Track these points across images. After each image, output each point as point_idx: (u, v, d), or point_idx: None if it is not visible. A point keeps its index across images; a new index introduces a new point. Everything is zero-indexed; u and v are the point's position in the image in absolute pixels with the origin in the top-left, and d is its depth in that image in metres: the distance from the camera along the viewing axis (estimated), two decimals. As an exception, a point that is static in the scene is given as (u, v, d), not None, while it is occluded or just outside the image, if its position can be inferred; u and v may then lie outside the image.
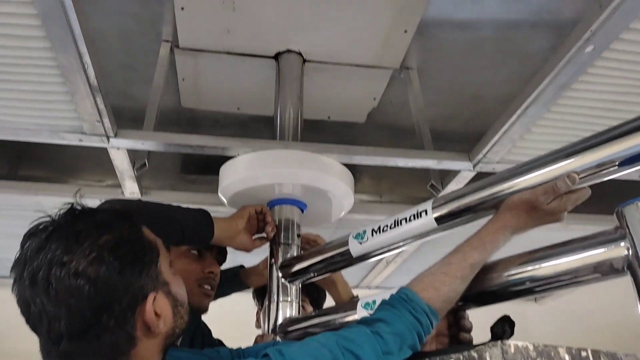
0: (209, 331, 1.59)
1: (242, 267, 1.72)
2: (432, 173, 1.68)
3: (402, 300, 0.88)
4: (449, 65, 1.81)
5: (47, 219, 0.80)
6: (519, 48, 1.72)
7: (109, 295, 0.74)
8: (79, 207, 0.82)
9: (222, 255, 1.56)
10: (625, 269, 0.78)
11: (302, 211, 1.55)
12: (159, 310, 0.78)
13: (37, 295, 0.72)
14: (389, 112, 2.04)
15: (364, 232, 1.21)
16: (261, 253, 1.53)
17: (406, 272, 2.53)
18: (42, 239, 0.76)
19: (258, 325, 1.72)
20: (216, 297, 1.60)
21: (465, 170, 1.53)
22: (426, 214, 1.07)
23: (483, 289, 0.94)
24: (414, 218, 1.10)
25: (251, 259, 1.65)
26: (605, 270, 0.81)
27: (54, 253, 0.73)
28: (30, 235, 0.78)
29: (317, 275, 1.41)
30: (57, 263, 0.73)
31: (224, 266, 1.56)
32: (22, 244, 0.77)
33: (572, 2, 1.52)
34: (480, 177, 1.59)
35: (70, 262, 0.73)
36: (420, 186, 2.31)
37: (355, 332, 0.85)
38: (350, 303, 1.20)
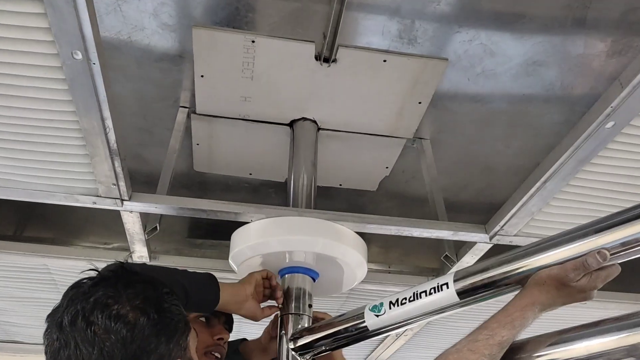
0: None
1: (243, 340, 1.65)
2: (447, 244, 1.66)
3: None
4: (461, 137, 1.82)
5: (93, 272, 0.83)
6: (531, 121, 1.74)
7: (141, 347, 0.75)
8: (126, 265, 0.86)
9: (229, 324, 1.51)
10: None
11: (314, 280, 1.51)
12: None
13: (73, 337, 0.73)
14: (400, 181, 2.04)
15: (381, 304, 1.17)
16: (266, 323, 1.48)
17: (416, 347, 2.44)
18: (88, 286, 0.79)
19: None
20: None
21: (481, 242, 1.51)
22: (447, 287, 1.04)
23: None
24: (435, 291, 1.06)
25: (256, 330, 1.60)
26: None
27: (99, 296, 0.76)
28: (75, 285, 0.81)
29: (329, 349, 1.35)
30: (101, 304, 0.75)
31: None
32: (66, 294, 0.80)
33: (585, 78, 1.55)
34: (496, 249, 1.56)
35: (114, 304, 0.76)
36: (430, 257, 2.28)
37: None
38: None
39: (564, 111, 1.69)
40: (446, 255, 1.65)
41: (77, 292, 0.79)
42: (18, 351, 2.43)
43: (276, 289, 1.39)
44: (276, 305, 1.43)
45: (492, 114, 1.71)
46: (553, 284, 0.87)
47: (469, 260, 1.62)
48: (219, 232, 2.20)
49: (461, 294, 1.02)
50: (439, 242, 1.85)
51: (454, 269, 1.68)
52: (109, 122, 1.12)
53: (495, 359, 0.87)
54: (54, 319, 0.78)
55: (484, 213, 2.13)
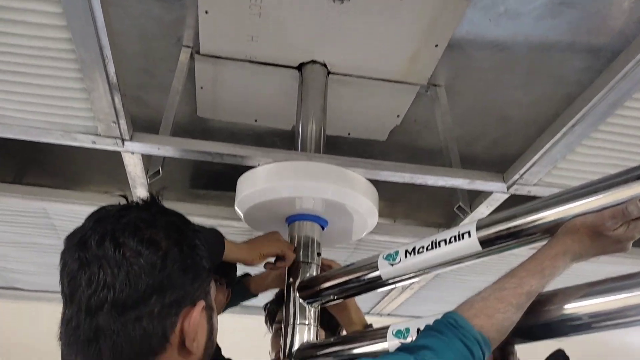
0: (219, 349, 1.49)
1: (247, 274, 1.62)
2: (461, 194, 1.60)
3: (450, 326, 0.79)
4: (478, 84, 1.74)
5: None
6: (553, 69, 1.65)
7: (168, 279, 0.69)
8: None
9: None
10: None
11: (323, 228, 1.46)
12: (197, 329, 0.72)
13: (97, 257, 0.67)
14: (411, 131, 1.96)
15: (396, 253, 1.12)
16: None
17: (423, 300, 2.42)
18: (117, 209, 0.72)
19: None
20: (224, 309, 1.51)
21: (498, 192, 1.44)
22: (469, 235, 0.98)
23: (537, 322, 0.85)
24: (455, 240, 1.00)
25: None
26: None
27: (132, 218, 0.70)
28: (101, 209, 0.74)
29: (339, 298, 1.31)
30: (134, 226, 0.69)
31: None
32: (90, 216, 0.73)
33: (613, 22, 1.45)
34: (514, 200, 1.50)
35: (147, 228, 0.70)
36: (437, 211, 2.22)
37: None
38: (379, 330, 1.10)
39: (588, 58, 1.60)
40: (459, 206, 1.59)
41: (106, 214, 0.71)
42: (19, 298, 2.41)
43: (289, 259, 1.34)
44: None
45: (512, 60, 1.62)
46: (587, 233, 0.82)
47: (483, 211, 1.56)
48: (221, 182, 2.14)
49: (484, 242, 0.96)
50: (447, 196, 1.79)
51: (467, 220, 1.62)
52: (107, 52, 1.03)
53: (522, 309, 0.82)
54: (75, 238, 0.70)
55: (497, 165, 2.06)
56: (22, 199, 1.65)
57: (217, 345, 1.47)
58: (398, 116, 1.87)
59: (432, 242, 1.05)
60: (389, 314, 2.54)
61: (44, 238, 1.88)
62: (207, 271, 0.76)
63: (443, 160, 1.71)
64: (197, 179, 2.23)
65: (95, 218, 0.72)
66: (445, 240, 1.02)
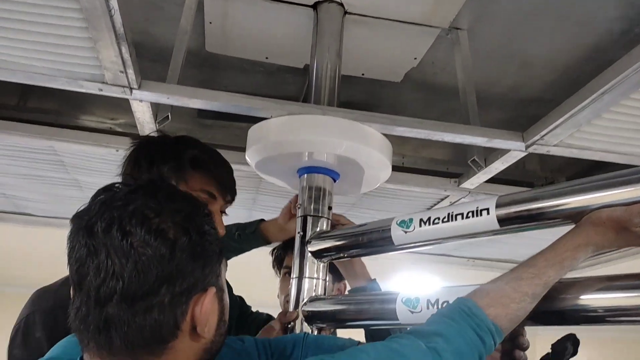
0: (230, 287, 1.52)
1: (262, 220, 1.62)
2: (476, 148, 1.56)
3: (464, 314, 0.79)
4: (502, 28, 1.65)
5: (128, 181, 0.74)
6: (583, 16, 1.55)
7: (178, 267, 0.67)
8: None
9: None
10: None
11: (335, 181, 1.44)
12: (208, 313, 0.71)
13: (105, 246, 0.65)
14: (428, 73, 1.88)
15: (411, 220, 1.10)
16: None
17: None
18: (124, 192, 0.70)
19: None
20: (237, 253, 1.52)
21: (515, 151, 1.40)
22: (488, 212, 0.96)
23: (551, 308, 0.84)
24: (472, 215, 0.99)
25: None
26: None
27: (138, 205, 0.68)
28: (107, 189, 0.71)
29: (348, 257, 1.32)
30: (141, 215, 0.67)
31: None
32: (96, 195, 0.70)
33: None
34: (531, 158, 1.47)
35: (155, 217, 0.68)
36: (445, 151, 2.19)
37: (408, 346, 0.75)
38: (388, 294, 1.11)
39: (622, 5, 1.50)
40: (474, 159, 1.56)
41: (112, 198, 0.69)
42: (29, 223, 2.44)
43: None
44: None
45: (541, 4, 1.52)
46: (613, 226, 0.79)
47: (498, 167, 1.53)
48: (230, 113, 2.09)
49: (502, 221, 0.94)
50: (454, 145, 1.75)
51: (481, 173, 1.60)
52: (113, 3, 0.96)
53: (538, 299, 0.81)
54: (82, 221, 0.68)
55: (512, 110, 2.01)
56: (28, 137, 1.62)
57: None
58: (415, 58, 1.79)
59: (448, 215, 1.03)
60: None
61: (54, 172, 1.87)
62: (218, 254, 0.75)
63: (458, 104, 1.65)
64: (205, 110, 2.18)
65: (102, 200, 0.69)
66: (462, 214, 1.00)
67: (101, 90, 1.25)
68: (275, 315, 1.60)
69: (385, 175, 1.45)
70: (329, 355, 0.73)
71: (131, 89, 1.24)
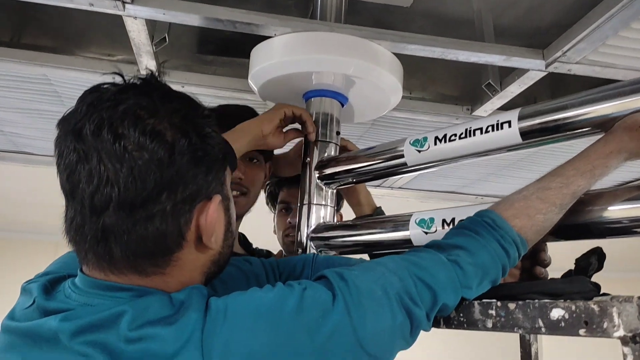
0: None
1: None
2: (491, 71, 1.47)
3: (487, 226, 0.74)
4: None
5: (117, 79, 0.66)
6: None
7: (177, 173, 0.62)
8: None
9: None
10: None
11: (343, 105, 1.37)
12: (214, 223, 0.66)
13: (96, 150, 0.59)
14: (438, -2, 1.77)
15: (425, 139, 1.04)
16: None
17: (436, 175, 2.39)
18: (113, 92, 0.63)
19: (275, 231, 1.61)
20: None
21: (534, 70, 1.32)
22: (509, 125, 0.90)
23: (575, 221, 0.79)
24: (493, 129, 0.92)
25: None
26: None
27: (130, 105, 0.61)
28: (94, 89, 0.64)
29: (358, 182, 1.26)
30: (133, 115, 0.61)
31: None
32: (82, 98, 0.64)
33: None
34: (551, 78, 1.39)
35: (149, 117, 0.61)
36: (453, 86, 2.10)
37: (428, 258, 0.71)
38: (401, 216, 1.06)
39: None
40: (489, 83, 1.47)
41: (100, 98, 0.62)
42: (28, 162, 2.39)
43: (307, 123, 1.25)
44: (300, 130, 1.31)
45: None
46: None
47: (514, 90, 1.45)
48: (231, 48, 1.99)
49: (525, 134, 0.88)
50: (466, 70, 1.66)
51: (496, 99, 1.52)
52: None
53: (565, 209, 0.76)
54: (69, 124, 0.62)
55: (526, 38, 1.90)
56: (20, 64, 1.53)
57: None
58: (427, -21, 1.68)
59: (465, 130, 0.97)
60: (400, 187, 2.53)
61: (49, 105, 1.80)
62: (222, 160, 0.69)
63: (473, 31, 1.55)
64: (205, 44, 2.07)
65: (88, 102, 0.63)
66: (481, 129, 0.94)
67: (92, 4, 1.16)
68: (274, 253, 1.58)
69: (396, 100, 1.38)
70: (346, 268, 0.68)
71: (124, 3, 1.15)
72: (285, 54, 1.26)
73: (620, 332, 0.51)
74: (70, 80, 1.58)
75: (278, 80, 1.32)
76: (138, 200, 0.60)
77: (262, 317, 0.59)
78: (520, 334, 1.26)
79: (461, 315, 0.70)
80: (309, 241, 1.24)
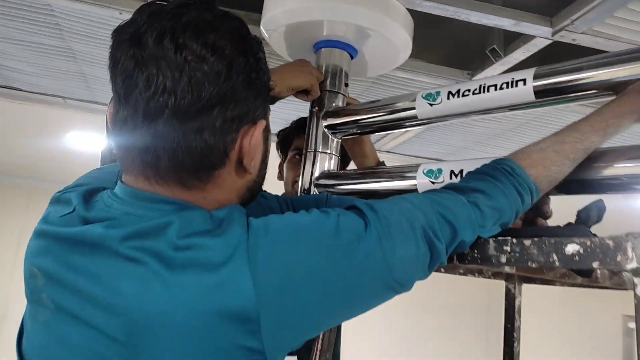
0: None
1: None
2: (497, 36, 1.50)
3: (506, 173, 0.78)
4: None
5: None
6: None
7: (232, 91, 0.64)
8: None
9: None
10: None
11: (352, 58, 1.39)
12: (256, 147, 0.69)
13: (156, 58, 0.61)
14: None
15: (438, 93, 1.07)
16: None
17: (426, 142, 2.44)
18: (174, 5, 0.64)
19: (280, 177, 1.63)
20: None
21: (540, 37, 1.36)
22: (524, 83, 0.93)
23: (579, 177, 0.84)
24: (507, 86, 0.96)
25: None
26: None
27: (192, 17, 0.63)
28: (152, 3, 0.65)
29: (364, 133, 1.30)
30: (196, 27, 0.62)
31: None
32: (141, 10, 0.65)
33: None
34: (555, 47, 1.43)
35: (211, 32, 0.63)
36: (455, 49, 2.12)
37: (450, 198, 0.75)
38: (409, 167, 1.10)
39: None
40: (493, 48, 1.51)
41: (161, 9, 0.64)
42: (17, 98, 2.34)
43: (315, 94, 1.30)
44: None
45: None
46: None
47: (517, 56, 1.49)
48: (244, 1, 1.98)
49: (539, 92, 0.92)
50: (463, 35, 1.69)
51: (498, 64, 1.56)
52: None
53: (577, 164, 0.81)
54: (126, 33, 0.63)
55: (532, 5, 1.93)
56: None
57: None
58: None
59: (480, 86, 1.00)
60: (387, 151, 2.57)
61: (48, 38, 1.76)
62: (269, 90, 0.71)
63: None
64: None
65: (149, 12, 0.64)
66: (495, 86, 0.98)
67: None
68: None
69: (405, 56, 1.41)
70: (374, 200, 0.72)
71: None
72: (299, 1, 1.27)
73: (633, 265, 0.57)
74: (75, 13, 1.55)
75: (290, 29, 1.34)
76: (192, 111, 0.62)
77: (302, 235, 0.63)
78: (506, 287, 1.33)
79: (475, 252, 0.75)
80: (313, 188, 1.28)
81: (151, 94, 0.61)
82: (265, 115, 0.71)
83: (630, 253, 0.57)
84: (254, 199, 0.76)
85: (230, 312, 0.58)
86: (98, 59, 1.92)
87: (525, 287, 1.33)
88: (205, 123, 0.63)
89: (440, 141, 2.40)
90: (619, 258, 0.58)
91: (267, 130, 0.73)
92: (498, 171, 0.79)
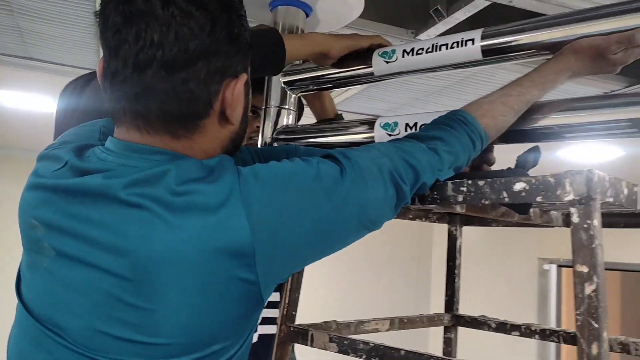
0: None
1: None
2: (439, -4, 1.60)
3: (461, 122, 0.88)
4: None
5: None
6: None
7: (215, 45, 0.70)
8: None
9: None
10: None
11: (307, 16, 1.44)
12: (238, 99, 0.75)
13: (144, 14, 0.66)
14: None
15: (393, 51, 1.16)
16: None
17: (368, 99, 2.54)
18: None
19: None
20: None
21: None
22: (472, 43, 1.03)
23: (518, 127, 0.96)
24: (457, 45, 1.05)
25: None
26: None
27: None
28: None
29: (322, 89, 1.37)
30: None
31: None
32: None
33: None
34: (491, 9, 1.54)
35: None
36: (399, 8, 2.21)
37: (412, 146, 0.84)
38: (366, 120, 1.19)
39: None
40: (437, 8, 1.60)
41: None
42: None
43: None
44: None
45: None
46: (591, 54, 0.89)
47: (459, 16, 1.59)
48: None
49: (486, 52, 1.02)
50: None
51: (441, 24, 1.66)
52: None
53: (519, 114, 0.92)
54: None
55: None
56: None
57: None
58: None
59: (432, 45, 1.09)
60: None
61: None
62: (249, 47, 0.77)
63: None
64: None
65: None
66: (447, 45, 1.07)
67: None
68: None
69: (357, 13, 1.47)
70: (347, 149, 0.80)
71: None
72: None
73: (571, 197, 0.69)
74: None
75: (248, -15, 1.36)
76: (178, 63, 0.67)
77: (288, 180, 0.71)
78: (448, 230, 1.47)
79: (435, 193, 0.86)
80: (274, 143, 1.34)
81: (140, 47, 0.66)
82: (246, 70, 0.77)
83: (568, 187, 0.69)
84: (237, 150, 0.82)
85: (229, 248, 0.66)
86: (37, 12, 1.84)
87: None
88: (191, 74, 0.69)
89: (381, 98, 2.51)
90: (558, 192, 0.70)
91: (247, 84, 0.78)
92: (453, 121, 0.88)
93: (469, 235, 2.17)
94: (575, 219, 0.68)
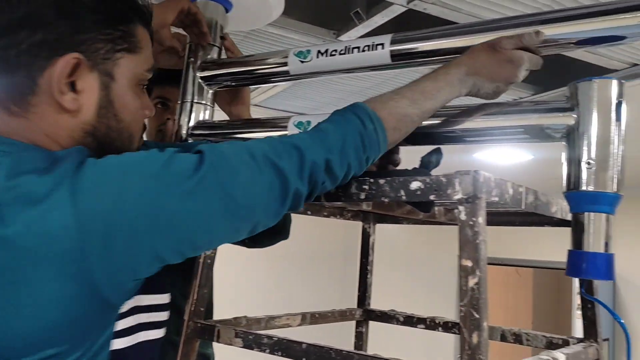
0: None
1: None
2: (360, 0, 1.64)
3: (348, 108, 0.87)
4: None
5: None
6: None
7: (40, 16, 0.68)
8: None
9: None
10: (563, 136, 0.89)
11: (227, 11, 1.44)
12: (81, 89, 0.72)
13: None
14: None
15: (308, 51, 1.18)
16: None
17: (293, 97, 2.55)
18: None
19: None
20: None
21: (397, 5, 1.51)
22: (382, 47, 1.07)
23: (422, 131, 1.01)
24: (368, 49, 1.09)
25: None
26: (541, 134, 0.92)
27: None
28: None
29: (239, 85, 1.37)
30: None
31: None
32: None
33: None
34: (410, 14, 1.59)
35: None
36: (322, 10, 2.24)
37: (295, 134, 0.82)
38: (280, 119, 1.20)
39: None
40: (357, 11, 1.64)
41: None
42: None
43: (201, 22, 1.30)
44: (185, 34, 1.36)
45: None
46: (482, 48, 0.91)
47: (378, 20, 1.63)
48: None
49: (395, 56, 1.06)
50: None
51: (361, 27, 1.70)
52: None
53: (417, 104, 0.88)
54: None
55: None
56: None
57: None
58: None
59: (345, 48, 1.12)
60: (256, 104, 2.65)
61: None
62: (94, 25, 0.72)
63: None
64: None
65: None
66: (358, 48, 1.10)
67: None
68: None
69: (278, 13, 1.48)
70: (224, 143, 0.76)
71: None
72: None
73: (459, 195, 0.73)
74: None
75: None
76: (1, 28, 0.67)
77: (132, 166, 0.66)
78: (362, 227, 1.51)
79: (340, 190, 0.88)
80: (189, 138, 1.33)
81: None
82: (91, 54, 0.72)
83: (457, 187, 0.74)
84: (108, 148, 0.76)
85: (52, 242, 0.60)
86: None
87: (380, 227, 1.53)
88: (11, 42, 0.67)
89: (306, 97, 2.53)
90: (449, 191, 0.75)
91: (106, 75, 0.74)
92: (342, 109, 0.87)
93: (391, 233, 2.24)
94: (462, 216, 0.73)
